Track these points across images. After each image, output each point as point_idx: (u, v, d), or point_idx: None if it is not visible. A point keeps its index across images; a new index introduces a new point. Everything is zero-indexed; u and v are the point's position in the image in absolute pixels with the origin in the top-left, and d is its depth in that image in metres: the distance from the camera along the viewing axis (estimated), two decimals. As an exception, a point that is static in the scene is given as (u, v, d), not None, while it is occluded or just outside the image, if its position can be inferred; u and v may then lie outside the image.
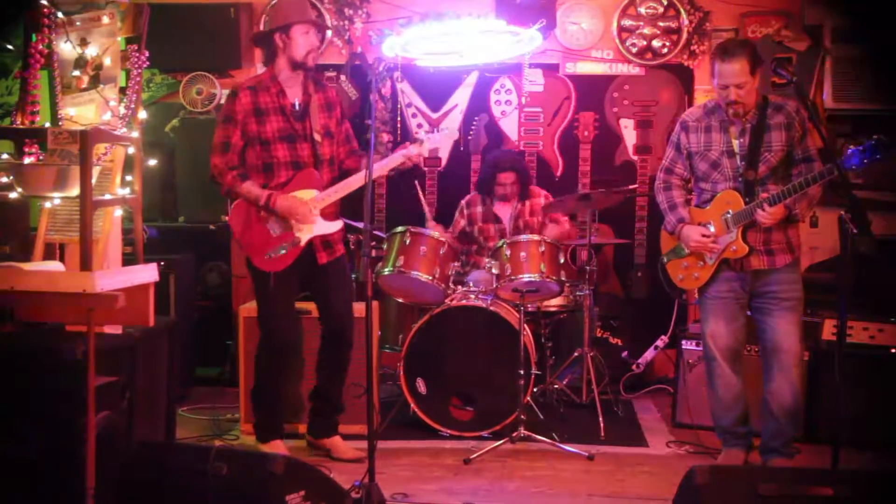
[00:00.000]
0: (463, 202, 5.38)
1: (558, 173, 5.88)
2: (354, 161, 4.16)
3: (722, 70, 3.78)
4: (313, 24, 4.01)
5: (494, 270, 4.52)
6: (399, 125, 5.86)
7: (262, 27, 5.67)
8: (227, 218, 5.42)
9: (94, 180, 3.63)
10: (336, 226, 4.05)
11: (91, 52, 3.95)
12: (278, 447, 4.09)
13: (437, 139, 4.26)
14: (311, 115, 4.01)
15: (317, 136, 4.01)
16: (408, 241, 4.52)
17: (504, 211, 5.29)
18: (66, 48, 3.93)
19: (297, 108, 4.01)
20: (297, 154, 3.99)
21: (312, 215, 3.96)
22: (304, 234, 3.98)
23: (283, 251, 3.95)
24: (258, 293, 4.07)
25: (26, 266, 3.17)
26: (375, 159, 4.05)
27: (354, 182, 3.98)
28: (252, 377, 4.35)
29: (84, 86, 3.95)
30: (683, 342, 4.79)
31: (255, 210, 3.97)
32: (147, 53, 4.04)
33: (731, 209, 3.86)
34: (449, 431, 4.49)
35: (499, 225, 5.28)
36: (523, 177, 5.25)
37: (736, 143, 3.88)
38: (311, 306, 4.33)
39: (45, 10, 3.87)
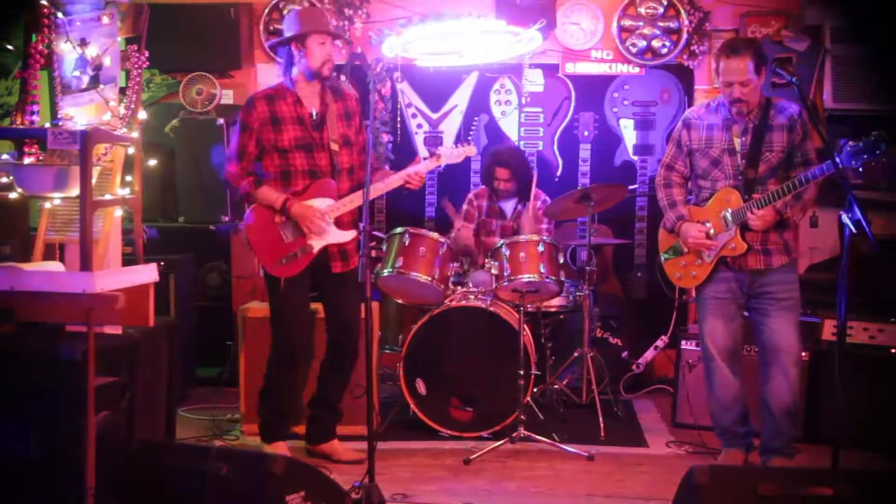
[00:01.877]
0: (471, 194, 5.40)
1: (558, 173, 5.88)
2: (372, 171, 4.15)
3: (727, 67, 3.78)
4: (330, 35, 4.00)
5: (494, 271, 4.52)
6: (399, 125, 5.86)
7: (262, 28, 5.67)
8: (227, 218, 5.49)
9: (94, 180, 3.63)
10: (349, 235, 4.04)
11: (91, 52, 3.95)
12: (281, 448, 4.08)
13: (453, 154, 4.22)
14: (328, 124, 4.01)
15: (334, 146, 4.01)
16: (407, 242, 4.52)
17: (508, 207, 5.30)
18: (66, 48, 3.92)
19: (314, 117, 4.01)
20: (314, 163, 3.99)
21: (325, 225, 3.96)
22: (317, 242, 3.98)
23: (296, 257, 3.95)
24: (270, 297, 4.07)
25: (26, 266, 3.17)
26: (388, 173, 4.13)
27: (370, 192, 3.96)
28: (253, 377, 4.36)
29: (84, 86, 3.95)
30: (683, 342, 4.79)
31: (269, 215, 3.97)
32: (147, 53, 4.03)
33: (731, 207, 3.86)
34: (449, 432, 4.49)
35: (501, 221, 5.29)
36: (520, 174, 5.20)
37: (738, 142, 3.88)
38: (318, 306, 4.31)
39: (45, 10, 3.87)
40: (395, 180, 4.08)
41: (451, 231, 5.29)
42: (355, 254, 4.11)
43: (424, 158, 4.16)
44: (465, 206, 5.37)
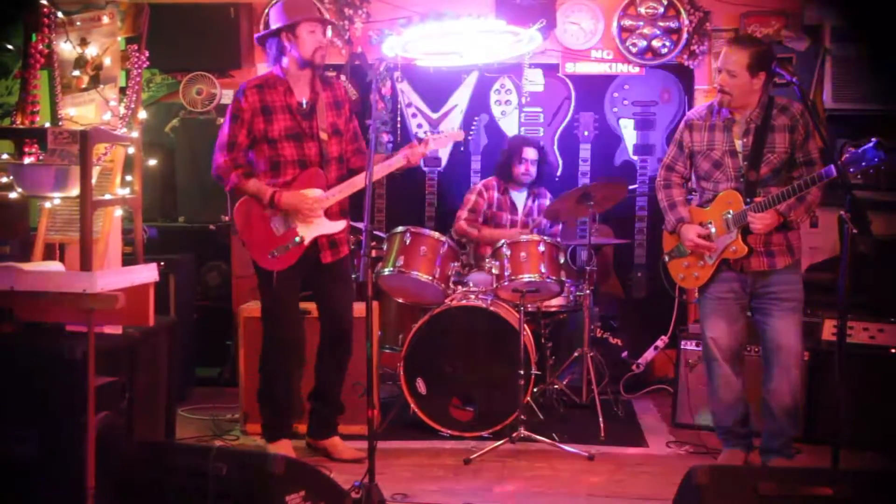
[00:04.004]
0: (480, 185, 5.40)
1: (558, 173, 5.88)
2: (361, 160, 4.14)
3: (723, 53, 3.84)
4: (320, 22, 3.99)
5: (495, 270, 4.52)
6: (399, 125, 5.86)
7: (261, 26, 5.67)
8: (227, 218, 5.49)
9: (94, 180, 3.63)
10: (340, 225, 4.05)
11: (91, 52, 3.95)
12: (285, 446, 4.08)
13: (440, 139, 4.24)
14: (318, 113, 4.01)
15: (323, 135, 4.01)
16: (408, 241, 4.52)
17: (520, 201, 5.32)
18: (66, 48, 3.93)
19: (304, 106, 4.01)
20: (303, 153, 3.99)
21: (317, 211, 3.96)
22: (308, 233, 3.98)
23: (287, 249, 3.95)
24: (262, 292, 4.07)
25: (26, 266, 3.17)
26: (378, 159, 4.08)
27: (359, 182, 3.95)
28: (253, 377, 4.36)
29: (84, 86, 3.96)
30: (683, 342, 4.79)
31: (258, 208, 3.96)
32: (147, 53, 4.04)
33: (732, 209, 3.85)
34: (449, 431, 4.49)
35: (513, 216, 5.30)
36: (543, 160, 5.33)
37: (739, 143, 3.88)
38: (310, 306, 4.32)
39: (45, 10, 3.87)
40: (384, 167, 4.06)
41: (459, 222, 5.28)
42: (345, 243, 4.12)
43: (416, 143, 4.15)
44: (473, 197, 5.35)
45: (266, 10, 5.67)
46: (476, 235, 5.26)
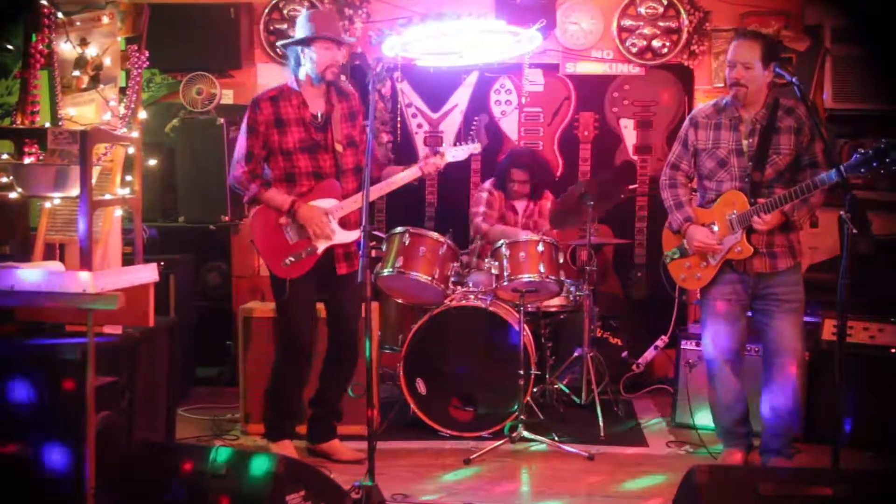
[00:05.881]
0: (488, 184, 5.38)
1: (558, 173, 5.88)
2: (376, 170, 4.15)
3: (734, 47, 3.81)
4: (335, 42, 4.00)
5: (494, 271, 4.52)
6: (399, 125, 5.86)
7: (260, 29, 5.67)
8: (227, 218, 5.48)
9: (94, 180, 3.63)
10: (354, 235, 4.04)
11: (91, 52, 3.95)
12: (287, 447, 4.09)
13: (458, 152, 4.25)
14: (332, 125, 4.02)
15: (338, 147, 4.03)
16: (407, 242, 4.52)
17: (520, 205, 5.32)
18: (66, 48, 3.92)
19: (318, 118, 4.02)
20: (318, 165, 4.01)
21: (329, 227, 3.96)
22: (322, 242, 3.99)
23: (301, 258, 3.95)
24: (276, 299, 4.08)
25: (26, 266, 3.17)
26: (395, 170, 4.16)
27: (373, 192, 3.96)
28: (253, 377, 4.37)
29: (84, 86, 3.95)
30: (683, 342, 4.79)
31: (273, 217, 3.97)
32: (147, 53, 4.03)
33: (737, 210, 3.84)
34: (449, 431, 4.49)
35: (515, 217, 5.31)
36: (536, 178, 5.29)
37: (745, 143, 3.87)
38: (318, 307, 4.30)
39: (45, 10, 3.87)
40: (401, 178, 4.09)
41: (477, 219, 5.27)
42: (358, 256, 4.11)
43: (432, 154, 4.17)
44: (485, 195, 5.33)
45: (265, 11, 5.67)
46: (493, 235, 5.22)
